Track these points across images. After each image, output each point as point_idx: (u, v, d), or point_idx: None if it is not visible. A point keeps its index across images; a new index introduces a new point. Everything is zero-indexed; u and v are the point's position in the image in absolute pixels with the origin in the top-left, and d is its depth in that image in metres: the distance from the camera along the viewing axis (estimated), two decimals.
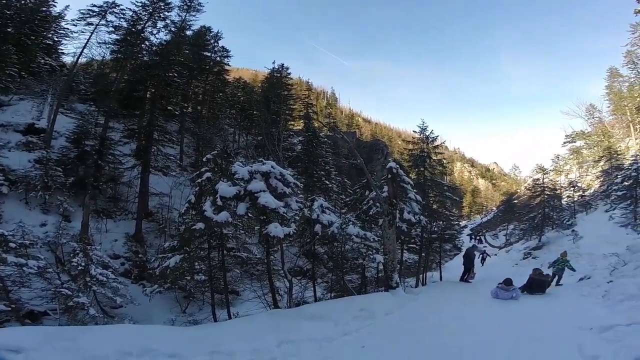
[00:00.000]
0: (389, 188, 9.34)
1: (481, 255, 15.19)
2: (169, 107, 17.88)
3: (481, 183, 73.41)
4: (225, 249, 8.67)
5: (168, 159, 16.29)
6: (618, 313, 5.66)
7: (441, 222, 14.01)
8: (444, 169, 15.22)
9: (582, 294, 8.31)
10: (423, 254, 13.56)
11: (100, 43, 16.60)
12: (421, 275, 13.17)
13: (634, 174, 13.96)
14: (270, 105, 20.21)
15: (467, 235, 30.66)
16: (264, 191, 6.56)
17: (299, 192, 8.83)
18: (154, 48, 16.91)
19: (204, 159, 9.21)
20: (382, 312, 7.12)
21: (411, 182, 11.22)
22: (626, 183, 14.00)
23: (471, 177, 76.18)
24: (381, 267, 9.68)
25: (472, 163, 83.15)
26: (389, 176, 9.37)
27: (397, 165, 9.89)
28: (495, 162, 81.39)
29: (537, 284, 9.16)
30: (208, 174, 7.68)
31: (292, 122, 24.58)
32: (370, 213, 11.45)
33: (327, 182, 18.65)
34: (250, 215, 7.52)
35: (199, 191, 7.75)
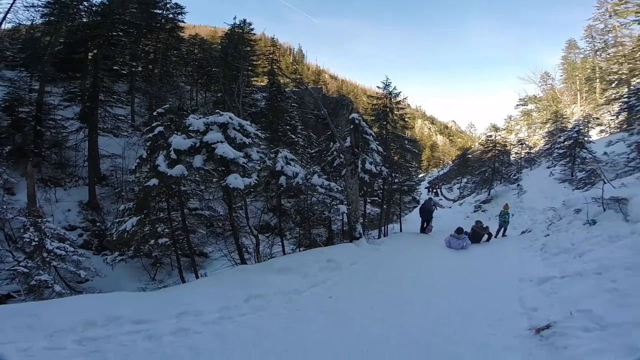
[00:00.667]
0: (351, 138, 9.43)
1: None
2: (115, 68, 16.55)
3: (439, 139, 76.34)
4: (187, 209, 8.23)
5: (118, 120, 15.14)
6: (553, 265, 6.07)
7: (401, 174, 14.52)
8: (405, 123, 15.40)
9: (523, 247, 9.02)
10: (385, 206, 14.02)
11: (27, 6, 14.22)
12: (383, 227, 13.69)
13: (574, 135, 14.94)
14: (230, 61, 18.95)
15: (425, 188, 32.37)
16: (221, 142, 6.20)
17: (260, 143, 8.43)
18: (95, 8, 15.27)
19: (155, 113, 8.34)
20: (348, 262, 7.27)
21: (373, 134, 11.34)
22: (567, 143, 14.97)
23: (430, 133, 78.59)
24: (346, 219, 9.80)
25: (432, 120, 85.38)
26: (352, 126, 9.44)
27: (360, 117, 9.92)
28: (453, 120, 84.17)
29: (476, 235, 10.06)
30: (160, 128, 7.08)
31: (256, 79, 23.88)
32: (335, 164, 11.60)
33: (292, 136, 18.44)
34: (209, 169, 6.99)
35: (151, 146, 7.16)
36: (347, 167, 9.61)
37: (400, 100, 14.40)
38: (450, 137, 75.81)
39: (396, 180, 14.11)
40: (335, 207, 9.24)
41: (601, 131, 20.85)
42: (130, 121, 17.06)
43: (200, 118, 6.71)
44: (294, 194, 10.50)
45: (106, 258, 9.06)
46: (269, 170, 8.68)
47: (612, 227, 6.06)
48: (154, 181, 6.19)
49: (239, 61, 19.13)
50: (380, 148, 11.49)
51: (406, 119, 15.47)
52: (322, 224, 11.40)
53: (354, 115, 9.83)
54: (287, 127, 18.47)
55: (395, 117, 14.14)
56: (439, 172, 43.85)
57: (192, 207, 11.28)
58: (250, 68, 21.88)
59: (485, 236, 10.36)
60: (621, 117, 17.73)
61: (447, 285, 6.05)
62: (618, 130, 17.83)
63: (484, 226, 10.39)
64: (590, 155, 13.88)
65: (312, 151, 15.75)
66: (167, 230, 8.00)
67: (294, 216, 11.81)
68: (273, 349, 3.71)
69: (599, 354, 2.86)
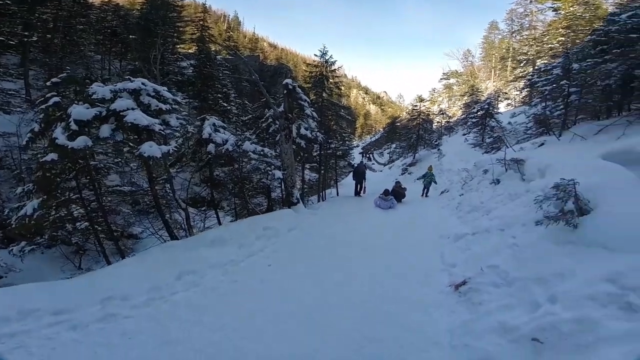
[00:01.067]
0: (284, 104, 9.17)
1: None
2: (0, 39, 13.73)
3: (372, 108, 79.39)
4: (104, 186, 7.05)
5: (8, 95, 12.80)
6: (466, 223, 6.64)
7: (336, 140, 14.83)
8: (340, 91, 15.37)
9: (442, 206, 9.80)
10: (322, 171, 14.09)
11: None
12: (322, 192, 13.79)
13: (486, 106, 16.62)
14: (151, 28, 16.41)
15: (359, 153, 33.58)
16: (132, 109, 5.48)
17: (182, 110, 7.48)
18: None
19: (49, 83, 6.89)
20: (285, 228, 7.09)
21: (308, 100, 11.07)
22: (479, 113, 16.63)
23: (364, 102, 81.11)
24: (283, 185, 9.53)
25: (366, 90, 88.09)
26: (285, 92, 9.19)
27: (294, 82, 9.57)
28: (385, 91, 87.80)
29: (397, 195, 10.73)
30: (56, 99, 6.12)
31: (182, 46, 21.30)
32: (270, 131, 11.16)
33: (225, 104, 17.16)
34: (120, 140, 5.93)
35: (45, 119, 6.19)
36: (281, 132, 9.26)
37: (335, 69, 14.36)
38: (382, 107, 79.25)
39: (332, 145, 14.19)
40: (270, 172, 8.78)
41: (508, 104, 23.72)
42: (24, 96, 14.39)
43: (106, 85, 5.80)
44: (226, 162, 9.73)
45: (12, 250, 7.59)
46: (196, 139, 7.83)
47: (511, 185, 6.76)
48: (52, 156, 5.47)
49: (162, 27, 16.71)
50: (315, 114, 11.25)
51: (341, 87, 15.47)
52: (261, 192, 10.93)
53: (288, 80, 9.44)
54: (219, 95, 17.15)
55: (331, 85, 14.15)
56: (371, 138, 45.71)
57: (110, 185, 9.77)
58: (175, 35, 19.76)
59: (403, 196, 11.17)
60: (524, 93, 20.24)
61: (379, 245, 6.26)
62: (521, 104, 20.48)
63: (403, 187, 11.30)
64: (497, 125, 15.68)
65: (245, 118, 14.75)
66: (82, 212, 7.00)
67: (230, 186, 11.07)
68: (214, 324, 3.44)
69: (509, 309, 3.12)
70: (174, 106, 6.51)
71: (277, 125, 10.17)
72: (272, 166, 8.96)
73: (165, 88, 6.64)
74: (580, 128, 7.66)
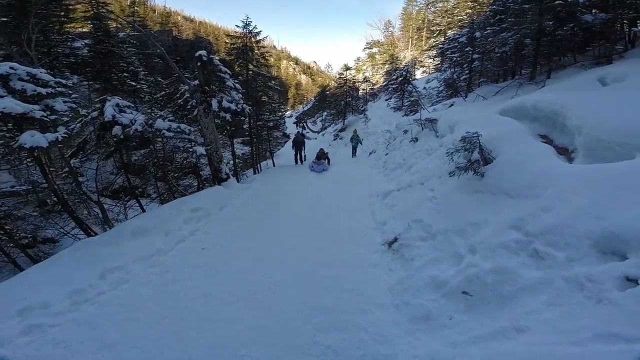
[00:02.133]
0: (199, 76, 8.03)
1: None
2: None
3: (303, 78, 77.36)
4: None
5: None
6: (391, 180, 6.92)
7: (267, 111, 14.10)
8: (266, 62, 14.22)
9: (370, 166, 10.11)
10: (255, 144, 13.28)
11: None
12: (256, 165, 13.04)
13: (404, 73, 17.25)
14: (25, 7, 12.44)
15: (293, 123, 32.80)
16: (1, 97, 4.56)
17: (71, 92, 6.06)
18: None
19: None
20: (217, 207, 6.39)
21: (228, 71, 9.91)
22: (399, 80, 17.26)
23: (295, 73, 78.48)
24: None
25: (297, 61, 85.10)
26: (199, 64, 7.99)
27: (207, 54, 8.44)
28: (314, 61, 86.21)
29: (320, 157, 11.09)
30: None
31: (72, 25, 17.09)
32: (188, 107, 9.84)
33: (133, 82, 14.58)
34: None
35: None
36: (198, 106, 8.15)
37: (261, 39, 13.21)
38: (312, 77, 77.76)
39: (263, 117, 13.32)
40: (190, 149, 7.77)
41: (423, 72, 25.11)
42: None
43: None
44: (140, 144, 8.31)
45: None
46: (99, 122, 6.42)
47: (427, 142, 7.18)
48: None
49: (38, 6, 12.87)
50: (238, 86, 10.19)
51: (267, 57, 14.17)
52: (190, 172, 9.74)
53: (201, 52, 8.18)
54: (125, 74, 14.49)
55: (256, 56, 13.10)
56: (303, 108, 44.87)
57: (3, 187, 7.70)
58: (62, 14, 15.27)
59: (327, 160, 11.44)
60: (437, 61, 21.56)
61: (315, 210, 6.13)
62: (435, 71, 21.85)
63: (325, 152, 11.59)
64: (414, 90, 16.54)
65: (158, 95, 12.76)
66: None
67: (151, 170, 9.58)
68: (152, 319, 3.01)
69: (437, 263, 3.21)
70: (57, 89, 5.41)
71: (194, 100, 9.10)
72: (193, 143, 7.93)
73: (43, 70, 5.47)
74: (482, 90, 8.45)
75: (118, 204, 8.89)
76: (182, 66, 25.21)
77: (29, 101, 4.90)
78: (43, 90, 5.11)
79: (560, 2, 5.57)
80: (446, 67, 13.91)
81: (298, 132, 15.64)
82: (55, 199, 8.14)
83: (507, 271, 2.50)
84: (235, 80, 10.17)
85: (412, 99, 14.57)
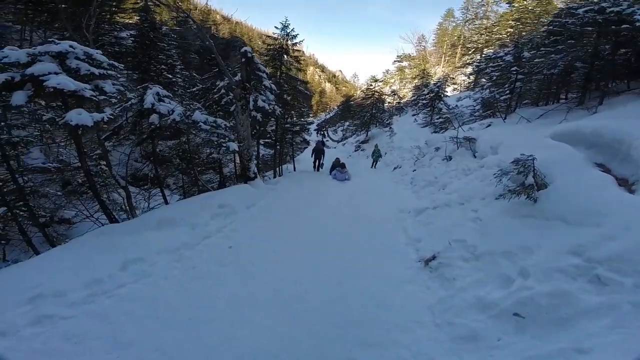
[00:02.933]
0: (242, 72, 8.18)
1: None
2: None
3: (327, 86, 78.40)
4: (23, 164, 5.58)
5: None
6: (422, 197, 6.73)
7: (294, 115, 14.19)
8: (299, 65, 14.45)
9: (395, 181, 9.96)
10: (278, 146, 13.39)
11: None
12: (277, 168, 13.12)
13: (435, 89, 17.09)
14: None
15: (314, 130, 33.05)
16: (56, 73, 4.43)
17: (119, 76, 6.19)
18: None
19: None
20: (244, 206, 6.39)
21: (266, 71, 10.09)
22: (429, 95, 17.10)
23: (320, 80, 79.67)
24: (238, 159, 8.69)
25: (323, 69, 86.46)
26: (243, 60, 8.16)
27: (252, 51, 8.59)
28: (340, 70, 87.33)
29: (340, 166, 11.42)
30: None
31: (122, 15, 18.13)
32: (222, 102, 10.02)
33: (169, 75, 15.14)
34: (39, 108, 4.77)
35: None
36: (237, 102, 8.28)
37: (296, 43, 13.31)
38: (337, 85, 78.76)
39: (289, 120, 13.45)
40: (224, 144, 7.83)
41: (454, 89, 24.80)
42: None
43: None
44: (171, 135, 8.53)
45: None
46: (137, 109, 6.59)
47: (463, 161, 6.96)
48: None
49: None
50: (273, 86, 10.34)
51: (301, 61, 14.30)
52: (212, 167, 9.90)
53: (246, 48, 8.45)
54: (162, 66, 15.01)
55: (290, 59, 13.18)
56: (325, 116, 45.20)
57: (31, 164, 7.99)
58: (114, 3, 16.07)
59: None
60: (471, 79, 21.33)
61: (341, 219, 6.04)
62: (466, 89, 21.57)
63: (341, 162, 11.83)
64: (445, 107, 16.33)
65: (195, 89, 13.13)
66: None
67: (176, 162, 9.79)
68: (173, 319, 2.88)
69: (482, 284, 3.06)
70: (109, 71, 5.40)
71: (230, 97, 9.32)
72: (227, 138, 8.01)
73: (100, 51, 5.45)
74: (523, 112, 8.18)
75: (141, 192, 9.07)
76: (220, 57, 26.00)
77: (80, 80, 4.89)
78: (96, 71, 5.11)
79: (628, 25, 5.35)
80: (484, 86, 13.69)
81: (319, 140, 15.82)
82: (81, 180, 8.46)
83: (565, 294, 2.44)
84: (271, 80, 10.32)
85: (444, 116, 14.33)
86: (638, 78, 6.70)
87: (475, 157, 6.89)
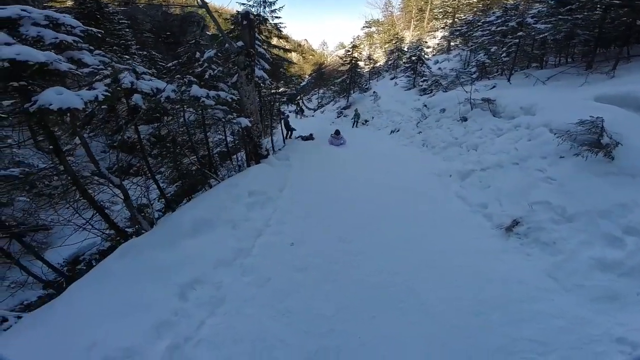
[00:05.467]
0: (244, 37, 7.15)
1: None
2: None
3: (294, 56, 74.53)
4: None
5: None
6: (452, 159, 6.62)
7: (285, 83, 13.32)
8: (280, 33, 13.02)
9: (404, 144, 9.81)
10: (268, 119, 12.55)
11: None
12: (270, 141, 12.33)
13: (417, 52, 16.75)
14: None
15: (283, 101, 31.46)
16: (7, 44, 3.32)
17: (92, 48, 4.76)
18: None
19: None
20: (275, 189, 5.77)
21: (259, 36, 8.90)
22: (413, 58, 16.75)
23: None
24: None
25: (287, 39, 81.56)
26: (245, 22, 7.08)
27: (254, 12, 7.47)
28: (305, 39, 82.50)
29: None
30: None
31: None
32: (206, 77, 8.65)
33: (126, 56, 13.03)
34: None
35: None
36: (240, 72, 7.26)
37: (276, 9, 12.04)
38: (303, 55, 75.07)
39: (280, 90, 12.46)
40: (233, 120, 6.89)
41: (429, 52, 24.58)
42: None
43: None
44: (160, 117, 7.34)
45: None
46: (112, 89, 5.33)
47: (486, 122, 6.84)
48: None
49: None
50: (267, 55, 9.28)
51: (281, 29, 12.84)
52: (196, 149, 8.81)
53: (248, 9, 7.15)
54: (116, 48, 12.80)
55: (269, 27, 11.98)
56: (297, 86, 43.21)
57: None
58: None
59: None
60: (444, 42, 21.27)
61: (380, 190, 5.72)
62: (439, 52, 21.46)
63: (336, 130, 12.06)
64: (428, 70, 16.17)
65: (170, 64, 11.37)
66: None
67: (149, 147, 8.54)
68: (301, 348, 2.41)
69: (589, 246, 3.05)
70: (82, 38, 4.19)
71: (214, 70, 8.13)
72: (234, 114, 7.08)
73: (69, 15, 4.19)
74: (523, 74, 8.36)
75: (135, 186, 7.83)
76: (172, 41, 23.17)
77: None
78: (69, 38, 3.91)
79: None
80: (471, 49, 13.82)
81: (284, 113, 15.72)
82: (47, 182, 6.98)
83: None
84: (265, 46, 9.24)
85: (433, 78, 14.22)
86: None
87: (496, 117, 6.86)
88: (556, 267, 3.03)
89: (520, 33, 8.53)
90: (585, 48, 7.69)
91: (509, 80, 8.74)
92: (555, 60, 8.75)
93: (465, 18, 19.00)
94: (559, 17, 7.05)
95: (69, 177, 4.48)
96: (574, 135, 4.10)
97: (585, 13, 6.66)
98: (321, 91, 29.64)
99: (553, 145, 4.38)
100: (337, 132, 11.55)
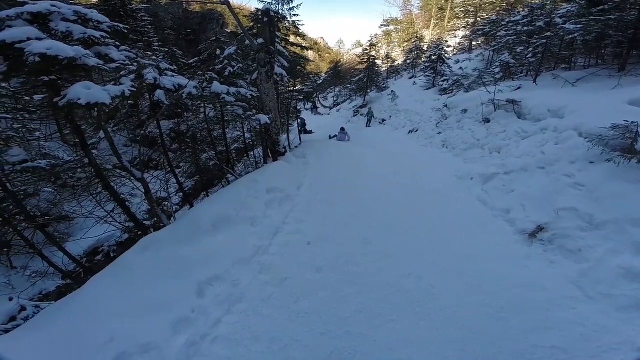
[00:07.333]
0: (265, 34, 7.17)
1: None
2: None
3: (310, 54, 74.69)
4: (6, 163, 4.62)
5: None
6: (473, 162, 6.52)
7: (302, 81, 13.62)
8: (297, 31, 13.09)
9: (423, 145, 9.69)
10: (286, 116, 12.66)
11: None
12: (287, 139, 12.46)
13: (438, 52, 16.42)
14: None
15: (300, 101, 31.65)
16: (38, 39, 3.39)
17: (118, 43, 4.91)
18: None
19: None
20: (294, 187, 5.82)
21: (277, 33, 8.96)
22: (433, 57, 16.45)
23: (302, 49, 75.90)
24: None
25: (304, 37, 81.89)
26: (266, 19, 7.13)
27: (275, 9, 7.52)
28: (322, 37, 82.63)
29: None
30: None
31: None
32: (226, 74, 8.82)
33: (148, 53, 13.49)
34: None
35: None
36: (260, 69, 7.36)
37: (294, 7, 11.87)
38: (319, 53, 75.08)
39: (297, 87, 12.59)
40: (253, 117, 6.97)
41: (450, 52, 24.17)
42: None
43: None
44: (178, 113, 7.59)
45: None
46: (136, 85, 5.55)
47: (510, 124, 6.68)
48: None
49: None
50: (285, 51, 9.37)
51: (299, 27, 12.89)
52: (215, 145, 9.01)
53: (268, 5, 7.20)
54: (139, 44, 13.35)
55: (287, 24, 12.00)
56: (313, 84, 43.33)
57: (15, 162, 6.64)
58: None
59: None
60: (466, 42, 20.81)
61: (400, 190, 5.67)
62: (460, 52, 21.02)
63: (341, 127, 13.87)
64: (449, 70, 15.84)
65: (192, 61, 11.66)
66: None
67: (169, 142, 8.82)
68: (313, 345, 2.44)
69: (617, 254, 2.97)
70: (110, 33, 4.34)
71: (234, 68, 8.39)
72: (254, 111, 7.20)
73: (95, 10, 4.33)
74: (550, 75, 8.04)
75: (156, 180, 8.10)
76: (192, 38, 23.75)
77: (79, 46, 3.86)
78: (96, 34, 4.03)
79: None
80: (495, 49, 13.49)
81: (302, 118, 16.15)
82: (75, 173, 7.31)
83: None
84: (283, 44, 9.34)
85: (454, 78, 13.93)
86: None
87: (521, 119, 6.68)
88: (581, 275, 2.95)
89: (548, 33, 8.25)
90: (617, 50, 7.40)
91: (535, 81, 8.47)
92: (584, 61, 8.42)
93: (489, 17, 18.49)
94: (591, 17, 6.80)
95: (93, 170, 4.66)
96: (605, 140, 3.97)
97: (619, 14, 6.43)
98: (337, 89, 29.60)
99: (583, 150, 4.25)
100: (342, 129, 13.27)
